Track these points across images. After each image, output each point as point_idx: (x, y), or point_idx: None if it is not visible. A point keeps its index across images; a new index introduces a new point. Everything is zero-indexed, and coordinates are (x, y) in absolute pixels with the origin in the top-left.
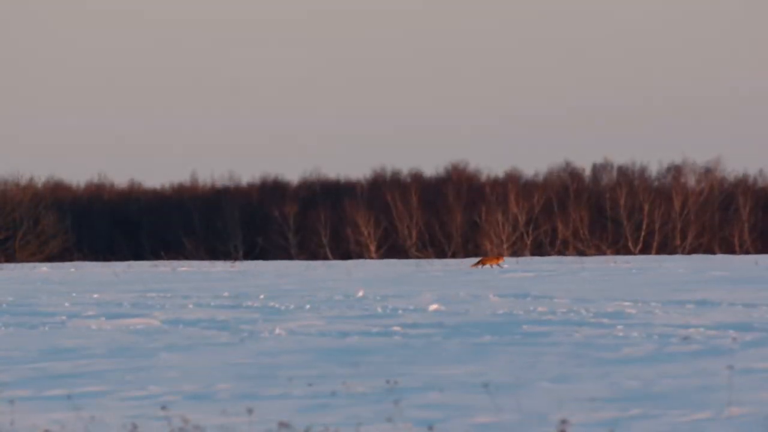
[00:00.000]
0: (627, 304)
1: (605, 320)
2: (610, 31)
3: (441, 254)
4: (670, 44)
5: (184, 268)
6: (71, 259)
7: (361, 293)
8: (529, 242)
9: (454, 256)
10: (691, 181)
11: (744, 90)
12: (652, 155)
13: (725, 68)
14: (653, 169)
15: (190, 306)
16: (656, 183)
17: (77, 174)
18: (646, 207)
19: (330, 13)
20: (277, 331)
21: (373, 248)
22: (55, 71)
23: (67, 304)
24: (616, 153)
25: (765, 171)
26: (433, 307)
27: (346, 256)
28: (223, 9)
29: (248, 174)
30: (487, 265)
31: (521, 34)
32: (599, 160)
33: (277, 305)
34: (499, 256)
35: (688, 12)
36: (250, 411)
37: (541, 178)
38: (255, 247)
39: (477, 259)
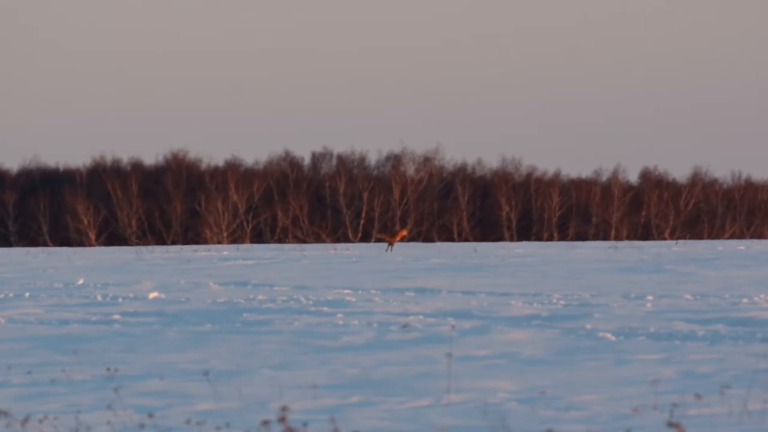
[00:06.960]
0: (347, 292)
1: (325, 308)
2: (339, 19)
3: (161, 242)
4: (388, 31)
5: None
6: None
7: (81, 281)
8: (249, 230)
9: (173, 243)
10: (410, 169)
11: (463, 78)
12: (371, 144)
13: (446, 57)
14: (372, 157)
15: None
16: (376, 171)
17: None
18: (366, 195)
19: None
20: None
21: (93, 236)
22: None
23: None
24: (335, 142)
25: (483, 160)
26: (153, 294)
27: (65, 243)
28: None
29: None
30: (395, 243)
31: (237, 20)
32: (318, 148)
33: None
34: (398, 232)
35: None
36: None
37: (261, 166)
38: None
39: (385, 242)
